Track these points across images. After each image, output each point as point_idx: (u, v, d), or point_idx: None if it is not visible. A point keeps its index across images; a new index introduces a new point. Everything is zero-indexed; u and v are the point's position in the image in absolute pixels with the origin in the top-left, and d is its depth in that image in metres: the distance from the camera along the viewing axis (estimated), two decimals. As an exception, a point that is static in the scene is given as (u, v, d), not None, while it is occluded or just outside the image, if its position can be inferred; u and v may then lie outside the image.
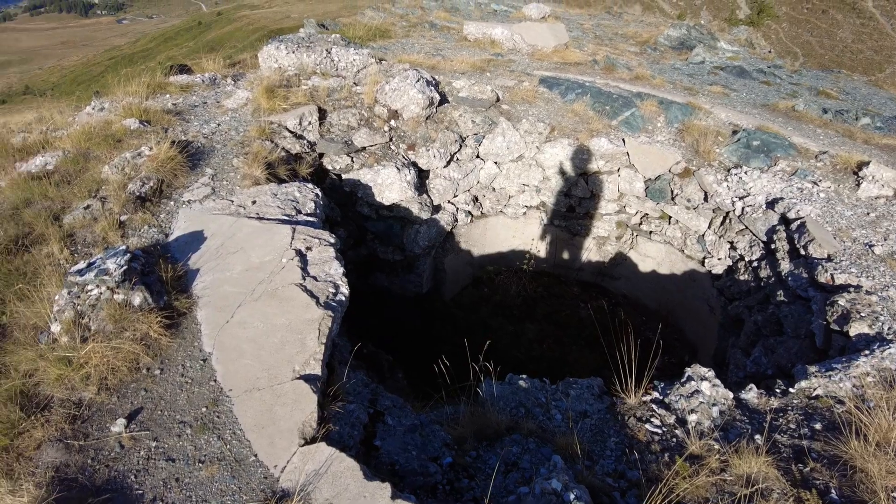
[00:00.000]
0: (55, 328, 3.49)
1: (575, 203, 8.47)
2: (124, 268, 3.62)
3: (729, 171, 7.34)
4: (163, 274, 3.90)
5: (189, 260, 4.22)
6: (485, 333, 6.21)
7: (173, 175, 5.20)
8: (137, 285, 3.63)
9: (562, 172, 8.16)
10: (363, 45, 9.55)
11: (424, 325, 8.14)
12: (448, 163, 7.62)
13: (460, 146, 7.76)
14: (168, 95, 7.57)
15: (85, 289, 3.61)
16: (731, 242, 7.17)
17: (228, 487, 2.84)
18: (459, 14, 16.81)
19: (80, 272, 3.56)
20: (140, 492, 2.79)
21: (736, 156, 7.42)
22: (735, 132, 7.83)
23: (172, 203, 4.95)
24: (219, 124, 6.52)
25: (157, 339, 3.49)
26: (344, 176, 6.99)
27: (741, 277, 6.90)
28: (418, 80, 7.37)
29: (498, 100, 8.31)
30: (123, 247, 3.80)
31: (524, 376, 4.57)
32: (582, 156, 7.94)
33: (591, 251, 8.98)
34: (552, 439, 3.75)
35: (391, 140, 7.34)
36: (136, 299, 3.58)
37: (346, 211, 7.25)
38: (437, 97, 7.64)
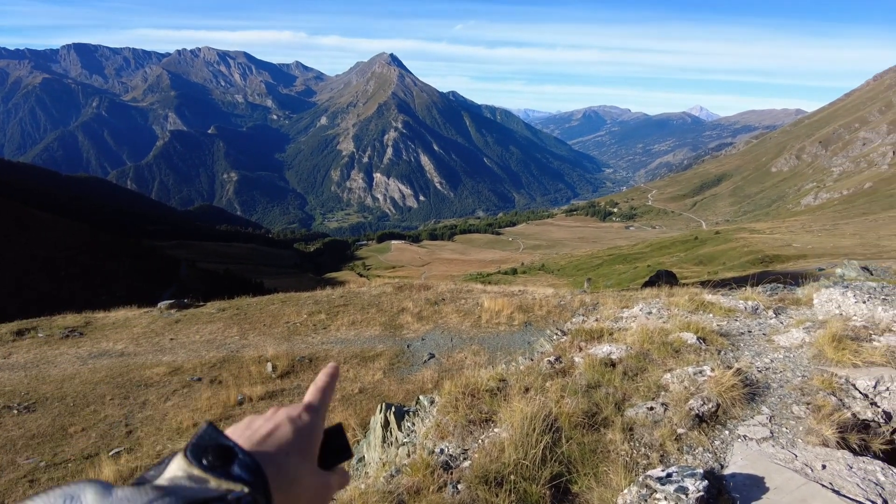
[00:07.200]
0: (620, 522, 3.67)
1: None
2: (701, 494, 3.56)
3: None
4: (728, 515, 3.66)
5: (749, 508, 3.86)
6: None
7: (731, 403, 5.11)
8: (708, 518, 3.49)
9: None
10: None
11: None
12: None
13: None
14: (711, 315, 7.88)
15: (654, 496, 3.71)
16: None
17: None
18: None
19: (661, 480, 3.70)
20: None
21: None
22: None
23: (727, 433, 4.80)
24: (771, 360, 6.22)
25: (719, 592, 3.19)
26: (921, 467, 5.40)
27: None
28: None
29: None
30: (700, 470, 3.80)
31: None
32: None
33: None
34: None
35: None
36: (706, 534, 3.43)
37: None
38: None
